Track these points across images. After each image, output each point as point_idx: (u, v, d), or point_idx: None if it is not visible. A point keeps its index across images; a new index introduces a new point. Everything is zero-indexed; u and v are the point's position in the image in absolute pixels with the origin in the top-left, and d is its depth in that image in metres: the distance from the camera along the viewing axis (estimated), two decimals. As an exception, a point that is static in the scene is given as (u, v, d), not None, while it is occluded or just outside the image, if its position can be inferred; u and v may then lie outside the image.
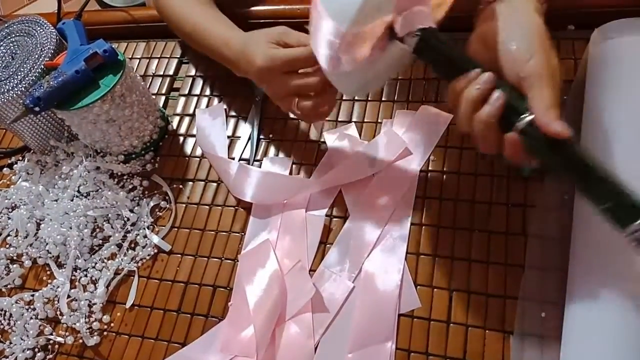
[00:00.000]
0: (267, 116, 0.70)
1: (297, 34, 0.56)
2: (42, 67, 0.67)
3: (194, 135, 0.72)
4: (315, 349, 0.54)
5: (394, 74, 0.67)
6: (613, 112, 0.53)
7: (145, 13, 0.84)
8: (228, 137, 0.70)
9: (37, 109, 0.62)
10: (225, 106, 0.73)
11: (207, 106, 0.74)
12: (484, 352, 0.50)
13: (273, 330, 0.55)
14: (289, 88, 0.55)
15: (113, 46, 0.64)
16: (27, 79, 0.67)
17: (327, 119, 0.67)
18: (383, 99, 0.67)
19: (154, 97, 0.74)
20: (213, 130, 0.71)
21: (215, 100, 0.74)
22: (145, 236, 0.65)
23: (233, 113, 0.72)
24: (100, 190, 0.68)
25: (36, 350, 0.61)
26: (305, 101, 0.54)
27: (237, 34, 0.62)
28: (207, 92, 0.75)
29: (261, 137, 0.69)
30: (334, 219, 0.61)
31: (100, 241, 0.66)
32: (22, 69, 0.68)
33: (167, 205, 0.67)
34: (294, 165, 0.65)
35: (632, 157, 0.50)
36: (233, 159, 0.68)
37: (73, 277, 0.64)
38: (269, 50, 0.55)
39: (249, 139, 0.69)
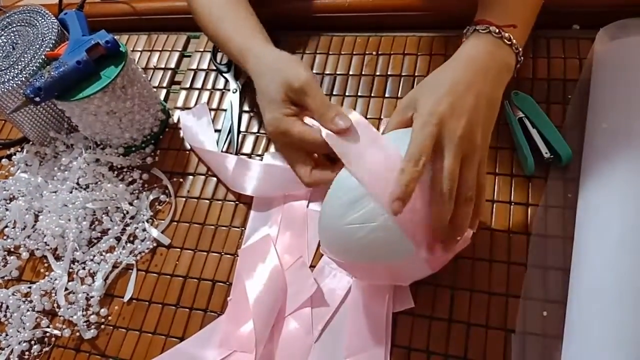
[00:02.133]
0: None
1: (320, 96, 0.52)
2: (43, 57, 0.67)
3: (194, 129, 0.71)
4: (316, 342, 0.53)
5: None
6: (618, 111, 0.53)
7: (147, 5, 0.83)
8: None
9: (37, 99, 0.61)
10: (207, 105, 0.72)
11: (208, 101, 0.73)
12: (486, 350, 0.50)
13: (272, 325, 0.55)
14: (289, 157, 0.55)
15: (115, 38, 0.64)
16: (27, 69, 0.66)
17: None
18: (386, 95, 0.67)
19: (155, 90, 0.73)
20: (200, 128, 0.71)
21: (214, 95, 0.74)
22: (144, 229, 0.64)
23: (213, 106, 0.73)
24: (99, 182, 0.68)
25: (32, 342, 0.61)
26: (303, 168, 0.54)
27: (256, 52, 0.59)
28: (209, 86, 0.75)
29: (241, 129, 0.69)
30: (335, 215, 0.60)
31: (99, 234, 0.66)
32: (22, 59, 0.67)
33: (167, 199, 0.67)
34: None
35: (637, 155, 0.50)
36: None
37: (71, 270, 0.64)
38: (280, 116, 0.53)
39: (229, 132, 0.69)
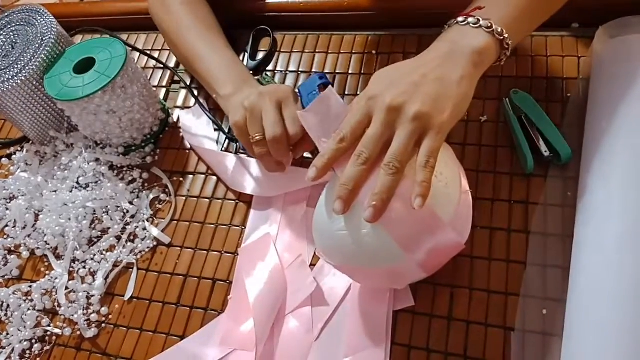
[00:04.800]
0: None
1: (293, 109, 0.56)
2: (43, 56, 0.67)
3: (194, 128, 0.71)
4: (316, 340, 0.54)
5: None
6: (617, 110, 0.53)
7: (147, 5, 0.83)
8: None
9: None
10: (205, 104, 0.72)
11: (207, 100, 0.73)
12: (485, 348, 0.50)
13: (272, 324, 0.55)
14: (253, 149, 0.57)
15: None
16: (27, 68, 0.66)
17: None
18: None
19: (154, 89, 0.73)
20: (200, 128, 0.71)
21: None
22: (144, 229, 0.65)
23: (212, 107, 0.72)
24: (99, 182, 0.68)
25: (33, 341, 0.61)
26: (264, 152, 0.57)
27: (231, 79, 0.63)
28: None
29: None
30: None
31: (99, 233, 0.66)
32: (22, 59, 0.67)
33: (167, 198, 0.67)
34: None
35: (636, 153, 0.50)
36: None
37: (71, 269, 0.64)
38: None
39: (229, 131, 0.69)
